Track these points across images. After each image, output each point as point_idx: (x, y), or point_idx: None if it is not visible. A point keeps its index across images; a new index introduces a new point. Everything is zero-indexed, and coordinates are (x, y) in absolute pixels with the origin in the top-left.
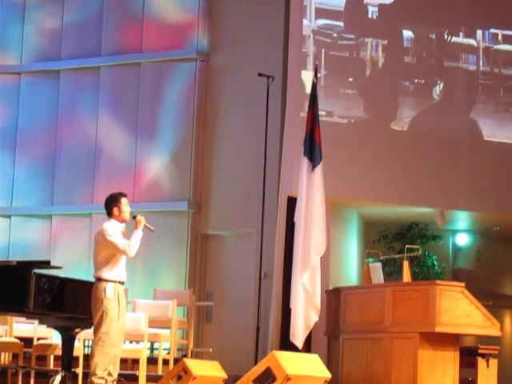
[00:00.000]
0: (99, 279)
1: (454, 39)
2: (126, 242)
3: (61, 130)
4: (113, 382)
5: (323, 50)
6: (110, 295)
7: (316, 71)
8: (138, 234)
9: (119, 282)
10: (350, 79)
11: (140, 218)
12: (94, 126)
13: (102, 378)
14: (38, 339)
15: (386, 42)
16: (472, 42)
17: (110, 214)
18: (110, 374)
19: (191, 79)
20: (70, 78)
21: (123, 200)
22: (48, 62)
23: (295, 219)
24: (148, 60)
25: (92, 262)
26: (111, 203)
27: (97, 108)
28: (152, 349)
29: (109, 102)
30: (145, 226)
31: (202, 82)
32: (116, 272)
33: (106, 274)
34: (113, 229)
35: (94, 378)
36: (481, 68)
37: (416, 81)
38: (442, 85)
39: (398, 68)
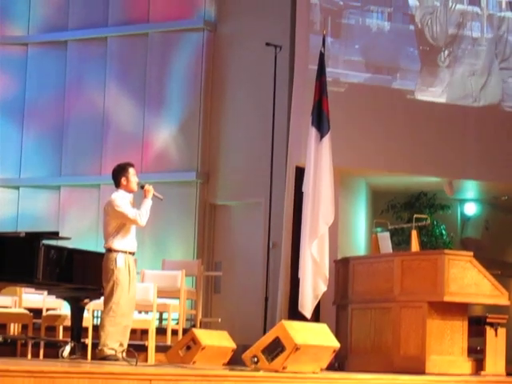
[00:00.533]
0: (110, 250)
1: (459, 6)
2: (137, 212)
3: (68, 101)
4: (122, 352)
5: (330, 18)
6: (121, 265)
7: (324, 40)
8: (148, 203)
9: (130, 253)
10: (357, 46)
11: (148, 187)
12: (101, 97)
13: (113, 348)
14: (47, 310)
15: (391, 9)
16: (476, 9)
17: (117, 185)
18: (121, 345)
19: (199, 49)
20: (78, 48)
21: (131, 170)
22: (55, 32)
23: (303, 189)
24: (155, 30)
25: (101, 232)
26: (119, 173)
27: (104, 79)
28: (161, 319)
29: (116, 72)
30: (153, 194)
31: (209, 51)
32: (126, 242)
33: (116, 244)
34: (121, 199)
35: (105, 349)
36: (485, 35)
37: (421, 48)
38: (446, 52)
39: (403, 35)
